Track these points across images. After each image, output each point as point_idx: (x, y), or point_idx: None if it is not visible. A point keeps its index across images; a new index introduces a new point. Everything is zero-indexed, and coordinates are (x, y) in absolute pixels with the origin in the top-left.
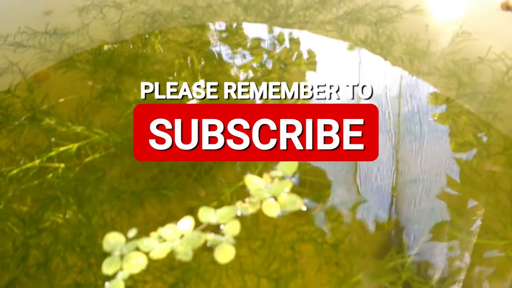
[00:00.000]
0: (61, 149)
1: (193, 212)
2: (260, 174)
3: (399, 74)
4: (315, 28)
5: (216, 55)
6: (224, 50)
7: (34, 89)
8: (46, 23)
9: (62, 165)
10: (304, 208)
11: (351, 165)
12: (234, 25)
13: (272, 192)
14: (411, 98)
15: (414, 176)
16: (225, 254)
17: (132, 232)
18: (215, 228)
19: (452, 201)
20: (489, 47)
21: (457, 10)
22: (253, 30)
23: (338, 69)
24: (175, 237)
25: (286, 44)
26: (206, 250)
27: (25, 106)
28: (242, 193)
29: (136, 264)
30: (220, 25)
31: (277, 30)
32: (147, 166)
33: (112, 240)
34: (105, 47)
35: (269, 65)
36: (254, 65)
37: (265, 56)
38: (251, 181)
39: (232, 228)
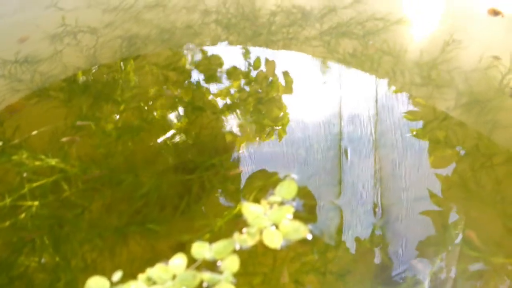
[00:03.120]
0: (34, 184)
1: (183, 248)
2: (256, 201)
3: (386, 87)
4: (300, 44)
5: (195, 78)
6: (203, 73)
7: (5, 120)
8: (17, 52)
9: (36, 202)
10: (309, 237)
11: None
12: (215, 45)
13: (272, 220)
14: (396, 113)
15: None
16: None
17: (117, 275)
18: (211, 265)
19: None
20: (481, 55)
21: (445, 18)
22: (233, 51)
23: (320, 87)
24: (167, 278)
25: (263, 67)
26: None
27: None
28: (238, 223)
29: None
30: (201, 46)
31: (256, 51)
32: (130, 199)
33: (95, 285)
34: (80, 74)
35: (247, 89)
36: (232, 90)
37: (242, 80)
38: (248, 208)
39: (231, 264)
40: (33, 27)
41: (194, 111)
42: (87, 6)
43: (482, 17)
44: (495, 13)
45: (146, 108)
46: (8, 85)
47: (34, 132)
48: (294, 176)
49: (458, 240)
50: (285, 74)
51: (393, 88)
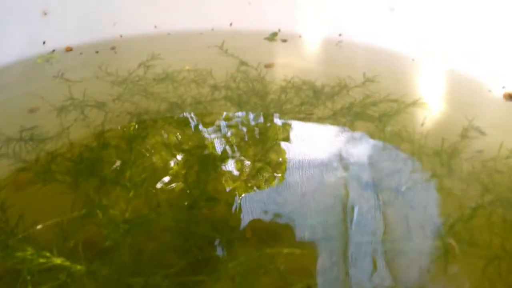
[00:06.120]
0: None
1: None
2: None
3: (409, 178)
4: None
5: (208, 161)
6: (218, 156)
7: (8, 207)
8: (21, 129)
9: None
10: None
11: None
12: (227, 124)
13: None
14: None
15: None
16: None
17: None
18: None
19: None
20: (501, 143)
21: (462, 103)
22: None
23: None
24: None
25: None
26: None
27: None
28: None
29: None
30: (211, 124)
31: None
32: None
33: None
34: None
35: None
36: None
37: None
38: None
39: None
40: (39, 98)
41: (207, 201)
42: (95, 77)
43: (498, 102)
44: (511, 97)
45: (156, 195)
46: (13, 166)
47: (39, 227)
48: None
49: None
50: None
51: (416, 178)
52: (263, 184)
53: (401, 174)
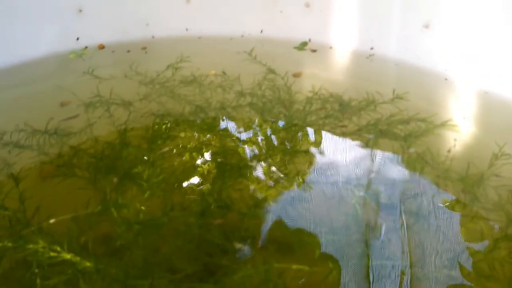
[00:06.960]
0: (46, 283)
1: None
2: None
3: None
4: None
5: (225, 169)
6: (236, 165)
7: (26, 199)
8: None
9: None
10: None
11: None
12: (248, 131)
13: None
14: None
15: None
16: None
17: None
18: None
19: None
20: None
21: (494, 127)
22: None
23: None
24: None
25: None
26: None
27: (11, 222)
28: None
29: None
30: (235, 130)
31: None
32: None
33: None
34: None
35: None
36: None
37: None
38: None
39: None
40: (70, 93)
41: (221, 209)
42: (124, 76)
43: None
44: None
45: (170, 199)
46: (36, 158)
47: (53, 220)
48: None
49: None
50: None
51: (438, 203)
52: (279, 195)
53: (424, 198)
